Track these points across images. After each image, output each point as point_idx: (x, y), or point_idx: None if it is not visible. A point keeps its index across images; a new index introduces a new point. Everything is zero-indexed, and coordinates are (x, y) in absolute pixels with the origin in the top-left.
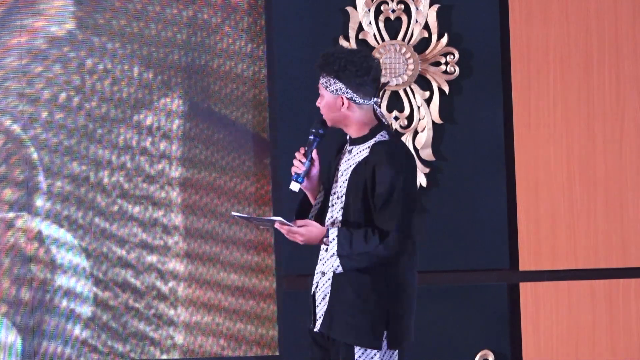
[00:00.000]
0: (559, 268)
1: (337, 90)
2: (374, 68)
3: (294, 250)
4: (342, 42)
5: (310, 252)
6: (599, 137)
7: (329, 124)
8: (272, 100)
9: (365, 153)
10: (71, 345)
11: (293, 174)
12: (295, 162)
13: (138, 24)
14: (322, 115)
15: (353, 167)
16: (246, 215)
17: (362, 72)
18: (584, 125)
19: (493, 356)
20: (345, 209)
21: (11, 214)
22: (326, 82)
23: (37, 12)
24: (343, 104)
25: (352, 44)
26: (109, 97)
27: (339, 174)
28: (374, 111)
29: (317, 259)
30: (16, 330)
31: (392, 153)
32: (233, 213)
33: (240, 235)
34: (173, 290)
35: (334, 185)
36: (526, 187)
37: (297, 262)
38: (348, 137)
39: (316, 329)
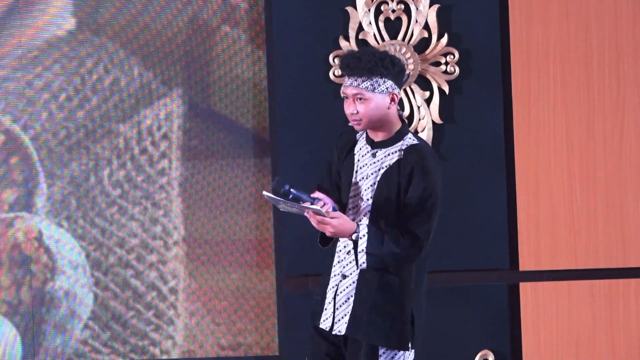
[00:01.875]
0: (559, 268)
1: (387, 88)
2: (405, 66)
3: (294, 251)
4: (342, 42)
5: (310, 252)
6: (599, 137)
7: (366, 127)
8: (272, 100)
9: (396, 156)
10: (71, 345)
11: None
12: (314, 218)
13: (138, 24)
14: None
15: (383, 171)
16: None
17: (403, 68)
18: (584, 126)
19: (493, 356)
20: (374, 212)
21: (11, 214)
22: (373, 84)
23: (37, 12)
24: (393, 100)
25: (352, 44)
26: (109, 97)
27: (360, 176)
28: (398, 110)
29: (319, 259)
30: (16, 330)
31: (427, 159)
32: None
33: (240, 235)
34: (173, 291)
35: (353, 187)
36: (526, 187)
37: (297, 262)
38: (363, 137)
39: (337, 332)
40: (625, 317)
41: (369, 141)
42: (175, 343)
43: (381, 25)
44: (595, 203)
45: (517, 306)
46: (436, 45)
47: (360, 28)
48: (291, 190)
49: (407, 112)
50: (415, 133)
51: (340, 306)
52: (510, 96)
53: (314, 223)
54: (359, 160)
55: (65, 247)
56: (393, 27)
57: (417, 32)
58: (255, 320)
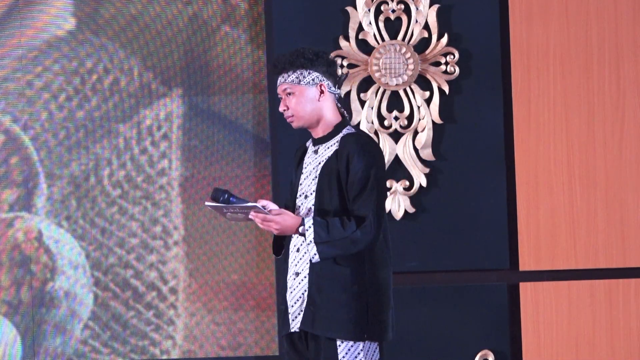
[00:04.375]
0: (559, 268)
1: (313, 79)
2: (334, 60)
3: None
4: (342, 42)
5: None
6: (599, 137)
7: (301, 123)
8: (272, 100)
9: (335, 147)
10: (71, 345)
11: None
12: (258, 218)
13: (138, 24)
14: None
15: (322, 163)
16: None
17: (329, 61)
18: (584, 125)
19: (493, 356)
20: (317, 204)
21: (11, 214)
22: (298, 77)
23: (37, 12)
24: (322, 92)
25: (352, 44)
26: (109, 97)
27: (304, 175)
28: (337, 106)
29: None
30: (16, 330)
31: (363, 143)
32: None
33: (240, 235)
34: (173, 291)
35: (299, 187)
36: (526, 187)
37: None
38: (309, 142)
39: (294, 329)
40: (625, 317)
41: (313, 141)
42: (175, 343)
43: (381, 25)
44: (595, 203)
45: (517, 306)
46: (436, 45)
47: (360, 28)
48: (231, 197)
49: (407, 112)
50: (415, 133)
51: (295, 303)
52: (510, 96)
53: (258, 222)
54: (305, 162)
55: (65, 247)
56: (393, 27)
57: (417, 32)
58: (255, 320)
